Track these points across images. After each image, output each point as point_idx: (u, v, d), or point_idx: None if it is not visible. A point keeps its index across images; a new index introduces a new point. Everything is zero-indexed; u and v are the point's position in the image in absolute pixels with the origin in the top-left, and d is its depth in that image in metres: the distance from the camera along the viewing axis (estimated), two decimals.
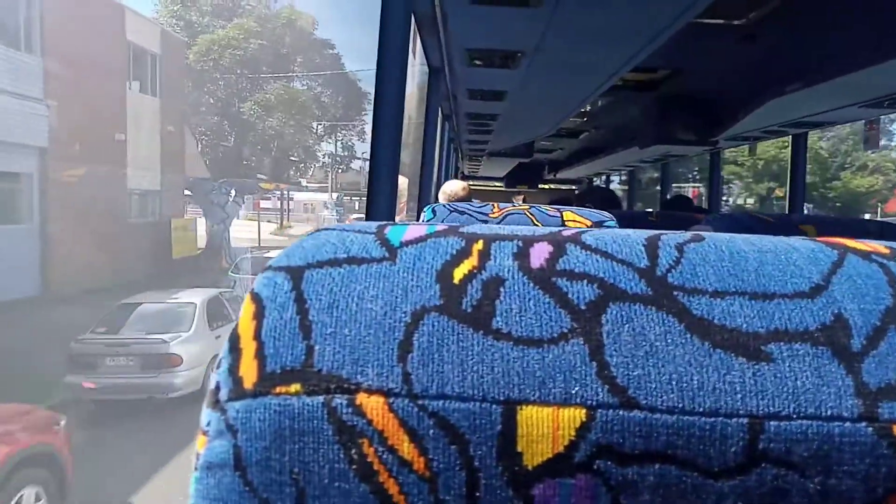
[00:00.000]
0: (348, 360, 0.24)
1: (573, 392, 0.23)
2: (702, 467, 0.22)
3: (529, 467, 0.23)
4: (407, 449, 0.23)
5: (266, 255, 12.89)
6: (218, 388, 0.25)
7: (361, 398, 0.23)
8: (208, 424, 0.25)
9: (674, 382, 0.22)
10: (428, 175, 3.00)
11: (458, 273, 0.25)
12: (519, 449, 0.23)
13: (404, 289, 0.25)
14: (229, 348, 0.25)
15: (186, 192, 20.10)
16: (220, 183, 20.53)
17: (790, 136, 3.83)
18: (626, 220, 2.34)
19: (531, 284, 0.25)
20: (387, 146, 1.48)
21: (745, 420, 0.22)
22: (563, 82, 3.01)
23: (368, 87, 27.23)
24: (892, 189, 24.66)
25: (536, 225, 1.27)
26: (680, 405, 0.22)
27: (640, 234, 0.27)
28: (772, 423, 0.22)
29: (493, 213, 1.57)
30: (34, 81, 12.39)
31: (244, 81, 24.68)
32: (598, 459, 0.22)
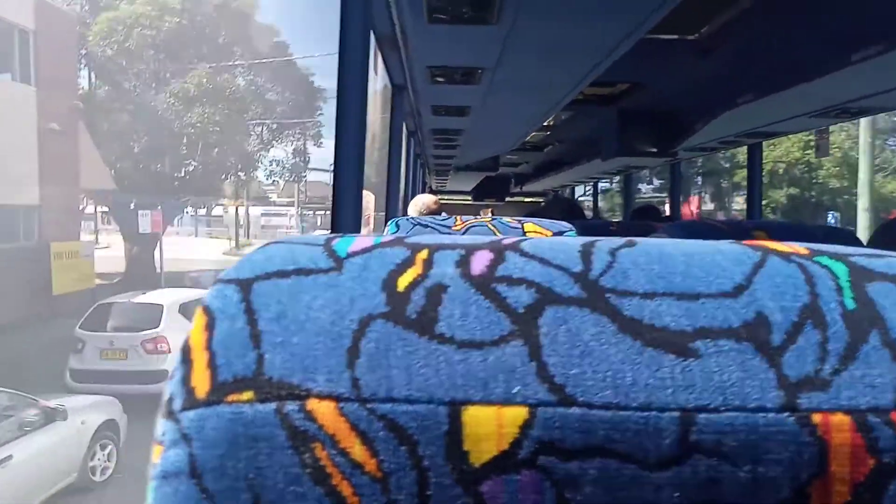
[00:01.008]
0: (298, 368, 0.24)
1: (514, 392, 0.24)
2: (638, 460, 0.23)
3: (476, 465, 0.24)
4: (358, 451, 0.24)
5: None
6: (172, 398, 0.26)
7: (312, 404, 0.24)
8: (163, 434, 0.26)
9: (608, 380, 0.24)
10: (394, 190, 3.02)
11: (403, 281, 0.26)
12: (465, 448, 0.24)
13: (351, 297, 0.26)
14: (181, 359, 0.26)
15: (103, 208, 17.78)
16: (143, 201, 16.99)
17: (746, 147, 3.94)
18: (588, 230, 2.38)
19: (472, 290, 0.26)
20: (350, 161, 1.49)
21: (677, 413, 0.23)
22: (524, 97, 3.06)
23: (323, 81, 23.55)
24: None
25: (497, 235, 1.29)
26: (615, 401, 0.24)
27: (577, 241, 0.29)
28: (701, 415, 0.23)
29: (456, 225, 1.58)
30: None
31: (162, 69, 18.98)
32: (541, 455, 0.23)
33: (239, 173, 21.97)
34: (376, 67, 2.62)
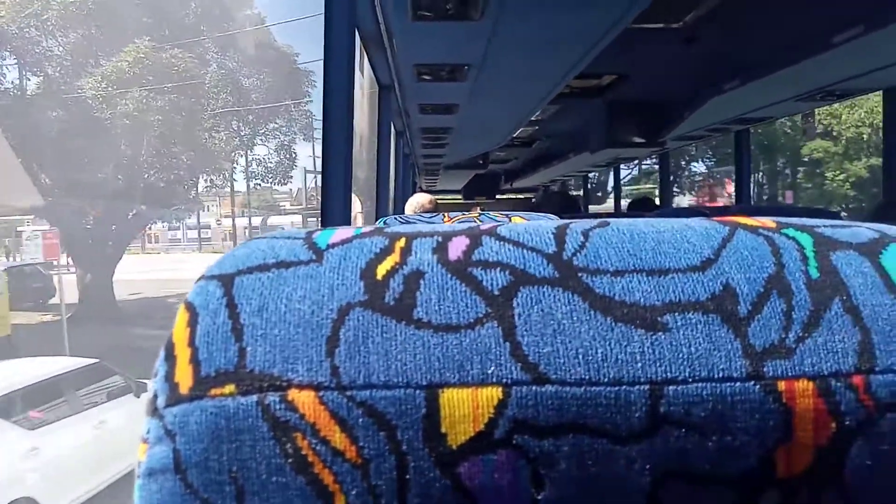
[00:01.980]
0: (279, 359, 0.25)
1: (489, 372, 0.24)
2: (611, 434, 0.24)
3: (454, 447, 0.24)
4: (339, 439, 0.24)
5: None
6: (156, 395, 0.26)
7: (293, 394, 0.24)
8: (148, 432, 0.26)
9: (580, 356, 0.24)
10: (384, 190, 3.02)
11: (381, 269, 0.27)
12: (443, 430, 0.24)
13: (330, 287, 0.26)
14: (165, 356, 0.26)
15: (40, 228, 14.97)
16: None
17: (733, 133, 3.96)
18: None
19: (449, 275, 0.26)
20: (338, 161, 1.50)
21: (647, 387, 0.24)
22: (511, 92, 3.07)
23: (310, 65, 18.82)
24: None
25: None
26: (587, 377, 0.24)
27: (552, 224, 0.29)
28: (670, 387, 0.24)
29: (444, 222, 1.59)
30: None
31: (93, 47, 14.74)
32: (517, 434, 0.24)
33: (209, 176, 17.86)
34: (362, 67, 2.62)
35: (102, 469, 6.24)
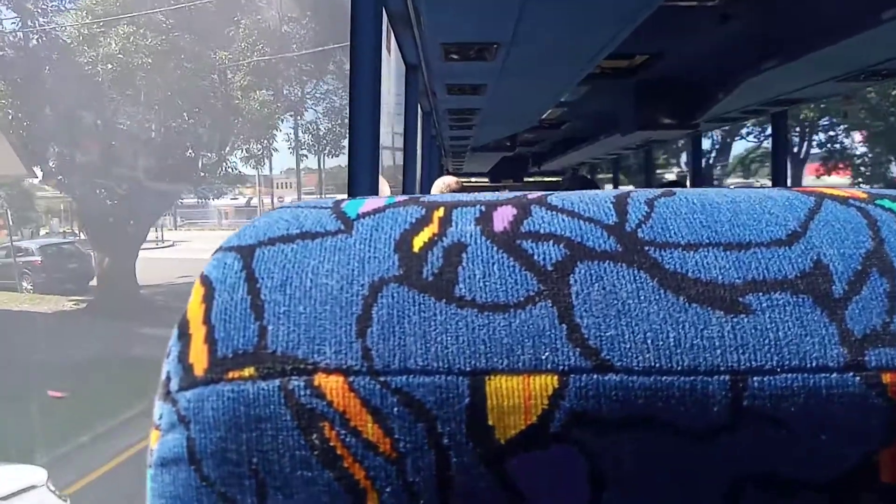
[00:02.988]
0: (304, 339, 0.22)
1: (543, 358, 0.21)
2: (684, 430, 0.21)
3: (502, 441, 0.21)
4: (371, 430, 0.21)
5: None
6: (168, 378, 0.23)
7: (320, 378, 0.22)
8: (160, 418, 0.24)
9: (649, 341, 0.21)
10: (411, 172, 2.99)
11: (418, 241, 0.24)
12: (490, 422, 0.21)
13: (361, 261, 0.23)
14: (178, 335, 0.24)
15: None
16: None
17: (770, 115, 3.85)
18: None
19: (495, 248, 0.23)
20: (366, 142, 1.47)
21: (727, 377, 0.21)
22: (541, 72, 3.00)
23: None
24: None
25: None
26: (657, 365, 0.21)
27: (609, 193, 0.26)
28: (755, 378, 0.21)
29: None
30: None
31: None
32: (574, 428, 0.21)
33: (241, 147, 14.43)
34: (389, 47, 2.58)
35: None
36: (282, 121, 15.83)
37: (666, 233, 0.23)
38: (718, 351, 0.21)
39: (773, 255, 0.22)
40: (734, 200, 0.25)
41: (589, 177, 7.82)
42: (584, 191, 0.27)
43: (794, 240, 0.23)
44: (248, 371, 0.22)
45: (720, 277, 0.22)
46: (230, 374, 0.22)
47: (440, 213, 0.25)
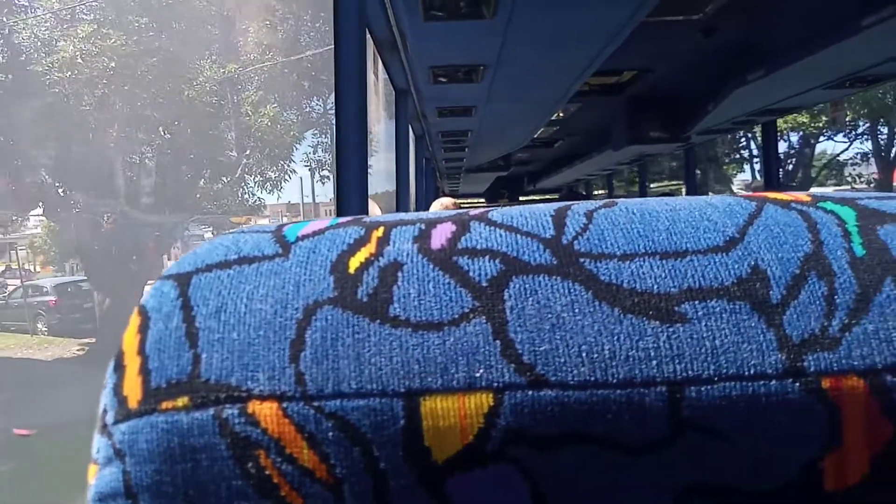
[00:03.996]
0: (237, 366, 0.22)
1: (478, 375, 0.21)
2: (623, 444, 0.20)
3: (439, 462, 0.21)
4: (307, 456, 0.21)
5: None
6: (105, 411, 0.23)
7: (254, 406, 0.21)
8: (98, 451, 0.23)
9: (584, 354, 0.21)
10: (404, 195, 2.99)
11: (354, 262, 0.23)
12: (426, 444, 0.21)
13: (296, 284, 0.23)
14: (114, 367, 0.23)
15: None
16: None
17: (761, 125, 3.87)
18: None
19: (430, 266, 0.23)
20: (353, 170, 1.47)
21: (664, 388, 0.20)
22: (529, 91, 3.03)
23: None
24: None
25: None
26: (592, 378, 0.21)
27: (550, 207, 0.26)
28: (692, 388, 0.20)
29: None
30: None
31: None
32: (512, 446, 0.21)
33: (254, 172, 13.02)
34: (376, 71, 2.60)
35: None
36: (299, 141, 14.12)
37: (602, 244, 0.23)
38: (654, 362, 0.21)
39: (710, 261, 0.22)
40: (674, 209, 0.24)
41: (584, 193, 7.84)
42: (527, 205, 0.26)
43: (732, 246, 0.23)
44: (182, 401, 0.22)
45: (656, 287, 0.22)
46: (164, 405, 0.22)
47: (379, 232, 0.24)
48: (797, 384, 0.20)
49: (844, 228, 0.23)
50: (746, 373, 0.20)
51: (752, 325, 0.21)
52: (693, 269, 0.22)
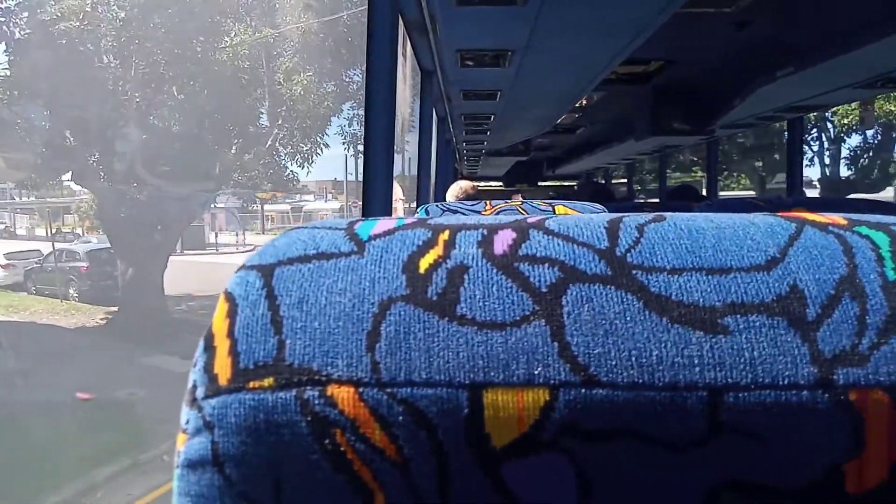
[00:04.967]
0: (318, 353, 0.24)
1: (536, 373, 0.23)
2: (665, 441, 0.23)
3: (497, 448, 0.23)
4: (378, 437, 0.23)
5: None
6: (195, 386, 0.26)
7: (332, 389, 0.24)
8: (187, 422, 0.26)
9: (633, 358, 0.23)
10: (425, 177, 3.01)
11: (424, 263, 0.26)
12: (486, 431, 0.23)
13: (371, 280, 0.25)
14: (204, 347, 0.26)
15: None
16: None
17: (786, 122, 3.83)
18: (620, 212, 2.34)
19: (494, 270, 0.25)
20: (380, 148, 1.49)
21: (705, 392, 0.23)
22: (555, 78, 3.02)
23: None
24: None
25: None
26: (640, 381, 0.23)
27: (604, 218, 0.28)
28: (730, 394, 0.23)
29: (486, 210, 1.57)
30: None
31: None
32: (564, 437, 0.23)
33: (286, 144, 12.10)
34: (405, 53, 2.61)
35: None
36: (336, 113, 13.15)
37: (653, 257, 0.25)
38: (697, 368, 0.23)
39: (753, 279, 0.24)
40: (719, 227, 0.26)
41: (603, 181, 7.79)
42: (582, 216, 0.28)
43: (773, 265, 0.25)
44: (268, 381, 0.24)
45: (701, 300, 0.24)
46: (251, 384, 0.24)
47: (445, 236, 0.27)
48: (826, 395, 0.22)
49: (878, 253, 0.25)
50: (781, 382, 0.23)
51: (789, 339, 0.23)
52: (736, 285, 0.24)
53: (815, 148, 14.40)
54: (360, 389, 0.24)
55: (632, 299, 0.24)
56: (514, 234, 0.27)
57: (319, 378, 0.24)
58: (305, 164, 13.22)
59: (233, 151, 12.40)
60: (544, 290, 0.24)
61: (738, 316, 0.23)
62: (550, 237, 0.26)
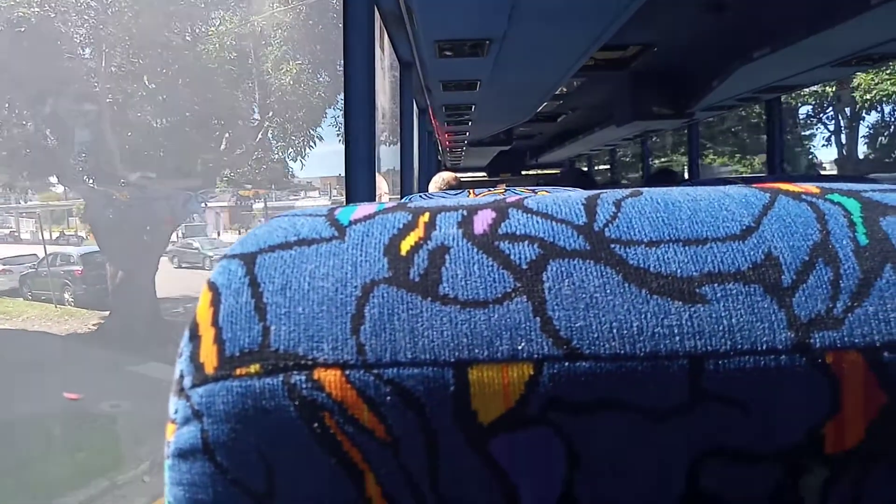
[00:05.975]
0: (303, 338, 0.24)
1: (519, 348, 0.23)
2: (648, 410, 0.23)
3: (484, 424, 0.23)
4: (367, 417, 0.24)
5: None
6: (182, 375, 0.26)
7: (319, 373, 0.24)
8: (175, 412, 0.26)
9: (614, 330, 0.23)
10: (408, 168, 3.01)
11: (405, 245, 0.26)
12: (473, 407, 0.23)
13: (354, 264, 0.25)
14: (189, 336, 0.26)
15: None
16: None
17: (764, 102, 3.86)
18: None
19: (475, 249, 0.25)
20: (361, 140, 1.49)
21: (686, 361, 0.23)
22: (534, 66, 3.02)
23: None
24: None
25: None
26: (622, 352, 0.23)
27: (582, 195, 0.28)
28: (710, 361, 0.23)
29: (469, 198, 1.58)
30: None
31: None
32: (549, 411, 0.23)
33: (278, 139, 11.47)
34: (382, 45, 2.60)
35: None
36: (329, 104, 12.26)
37: (631, 231, 0.25)
38: (677, 337, 0.23)
39: (728, 248, 0.25)
40: (695, 199, 0.27)
41: (586, 168, 7.82)
42: (558, 193, 0.29)
43: (748, 234, 0.25)
44: (254, 368, 0.24)
45: (679, 271, 0.24)
46: (238, 371, 0.24)
47: (425, 218, 0.27)
48: (804, 359, 0.23)
49: (850, 219, 0.25)
50: (759, 348, 0.23)
51: (765, 305, 0.23)
52: (713, 255, 0.24)
53: (832, 127, 13.66)
54: (347, 372, 0.24)
55: (611, 273, 0.24)
56: (493, 214, 0.27)
57: (305, 362, 0.24)
58: (298, 157, 12.59)
59: (222, 147, 11.94)
60: (525, 266, 0.25)
61: (716, 285, 0.24)
62: (529, 215, 0.26)
